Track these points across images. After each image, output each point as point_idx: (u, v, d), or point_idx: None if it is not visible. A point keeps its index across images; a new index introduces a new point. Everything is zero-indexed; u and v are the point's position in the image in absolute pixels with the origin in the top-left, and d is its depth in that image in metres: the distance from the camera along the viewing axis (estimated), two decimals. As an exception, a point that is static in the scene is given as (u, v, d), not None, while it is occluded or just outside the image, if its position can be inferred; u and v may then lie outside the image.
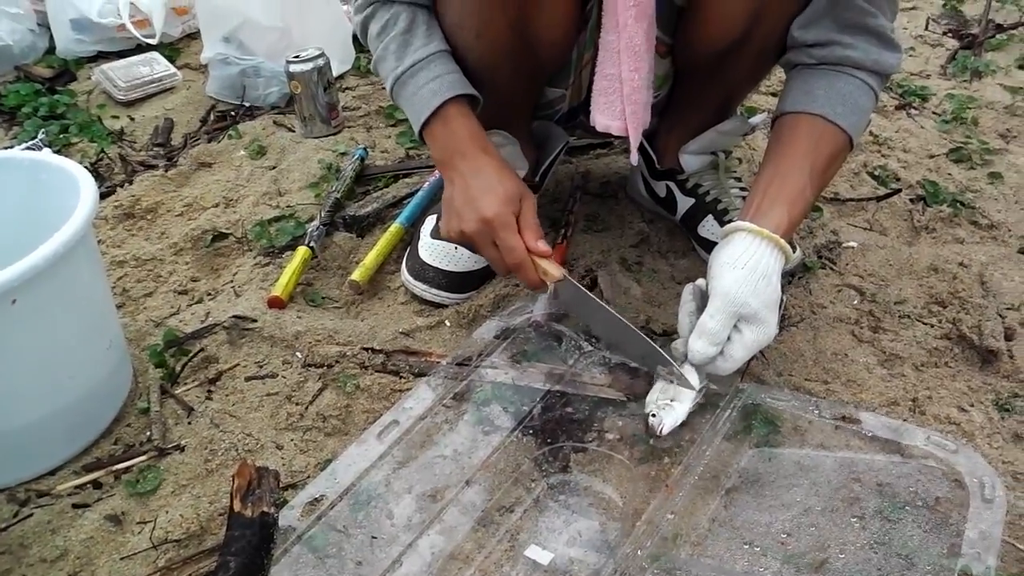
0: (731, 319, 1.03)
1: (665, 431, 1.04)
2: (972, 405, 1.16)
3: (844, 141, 1.14)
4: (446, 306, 1.32)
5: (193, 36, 2.35)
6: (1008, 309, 1.33)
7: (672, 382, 1.07)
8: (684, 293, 1.11)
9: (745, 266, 1.04)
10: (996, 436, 1.11)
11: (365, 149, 1.74)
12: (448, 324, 1.29)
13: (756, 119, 1.47)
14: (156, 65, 2.14)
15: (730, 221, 1.33)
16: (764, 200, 1.09)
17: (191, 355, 1.25)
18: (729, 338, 1.04)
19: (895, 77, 2.14)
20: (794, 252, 1.37)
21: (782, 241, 1.06)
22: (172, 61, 2.21)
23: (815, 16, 1.13)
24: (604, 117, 1.19)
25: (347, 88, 2.07)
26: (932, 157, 1.80)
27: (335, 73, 1.94)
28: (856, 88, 1.14)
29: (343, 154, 1.76)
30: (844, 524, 0.95)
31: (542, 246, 1.11)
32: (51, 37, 2.28)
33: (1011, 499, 1.01)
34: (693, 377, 1.06)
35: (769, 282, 1.04)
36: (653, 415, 1.04)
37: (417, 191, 1.57)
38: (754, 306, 1.02)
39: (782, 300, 1.31)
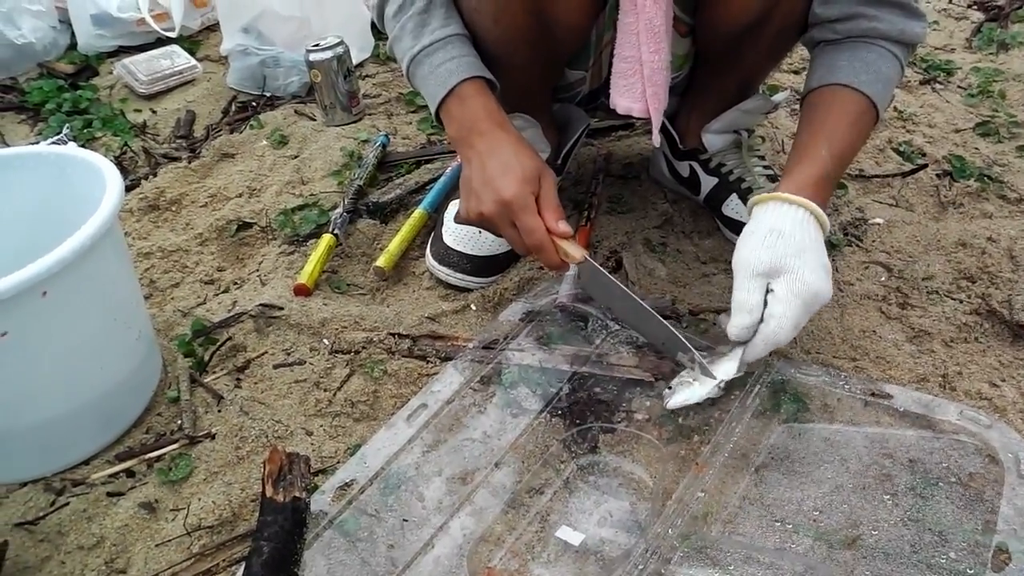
0: (751, 280, 1.01)
1: (670, 406, 1.04)
2: (1003, 380, 1.15)
3: (867, 107, 1.12)
4: (471, 290, 1.33)
5: (212, 28, 2.36)
6: (1039, 283, 1.32)
7: (693, 368, 1.06)
8: None
9: (750, 232, 1.04)
10: (1029, 411, 1.10)
11: (387, 136, 1.75)
12: (474, 308, 1.29)
13: (778, 97, 1.46)
14: (177, 58, 2.16)
15: (754, 199, 1.33)
16: (787, 173, 1.09)
17: (219, 344, 1.26)
18: (766, 302, 1.01)
19: (919, 51, 2.11)
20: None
21: (793, 196, 1.03)
22: (192, 53, 2.22)
23: None
24: (625, 99, 1.18)
25: (367, 76, 2.08)
26: (958, 132, 1.77)
27: (355, 61, 1.94)
28: (880, 56, 1.12)
29: (365, 141, 1.76)
30: (876, 501, 0.94)
31: (562, 227, 1.08)
32: (72, 33, 2.30)
33: (1045, 474, 1.01)
34: (729, 370, 1.04)
35: (780, 234, 1.01)
36: (669, 387, 1.05)
37: (439, 176, 1.57)
38: (768, 259, 1.00)
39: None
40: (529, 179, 1.08)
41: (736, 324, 1.01)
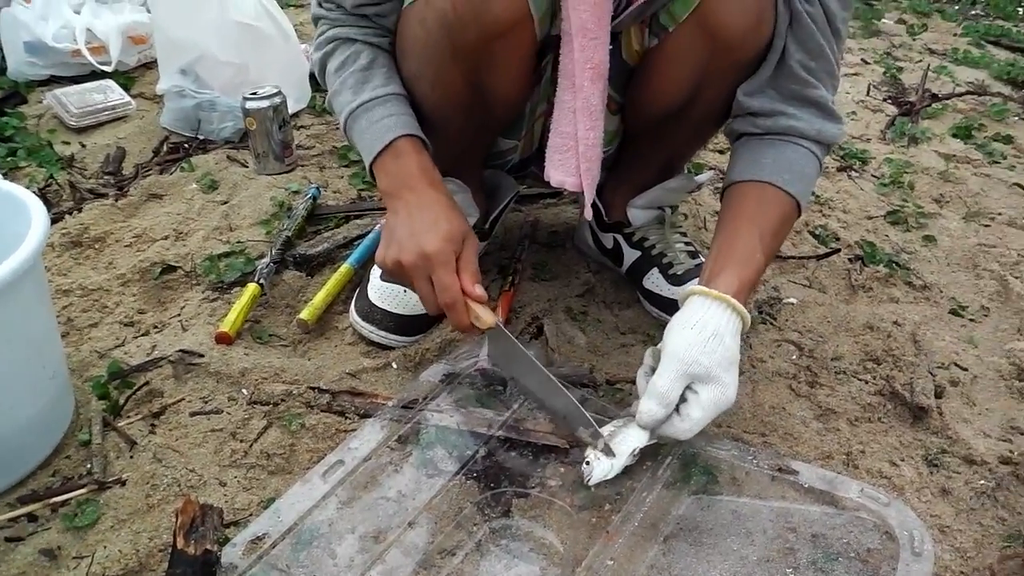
0: (681, 379, 1.03)
1: (592, 482, 1.05)
2: (903, 460, 1.20)
3: (792, 207, 1.18)
4: (393, 348, 1.33)
5: (149, 66, 2.35)
6: (938, 367, 1.38)
7: (595, 446, 1.06)
8: (645, 356, 1.11)
9: (695, 326, 1.05)
10: (925, 490, 1.15)
11: (318, 188, 1.75)
12: (395, 366, 1.30)
13: (702, 177, 1.52)
14: (110, 93, 2.13)
15: (675, 275, 1.37)
16: (716, 265, 1.12)
17: (135, 388, 1.23)
18: (686, 399, 1.04)
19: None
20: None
21: (734, 301, 1.06)
22: (127, 89, 2.20)
23: (760, 85, 1.18)
24: (559, 173, 1.21)
25: (302, 126, 2.08)
26: (870, 219, 1.86)
27: (291, 111, 1.95)
28: (802, 157, 1.18)
29: (296, 192, 1.76)
30: (779, 574, 0.97)
31: (478, 290, 1.09)
32: (2, 58, 2.26)
33: (938, 552, 1.05)
34: (641, 437, 1.06)
35: (721, 341, 1.04)
36: (587, 463, 1.06)
37: (368, 232, 1.58)
38: (705, 364, 1.02)
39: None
40: (453, 238, 1.10)
41: (649, 412, 1.03)
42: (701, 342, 1.04)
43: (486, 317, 1.10)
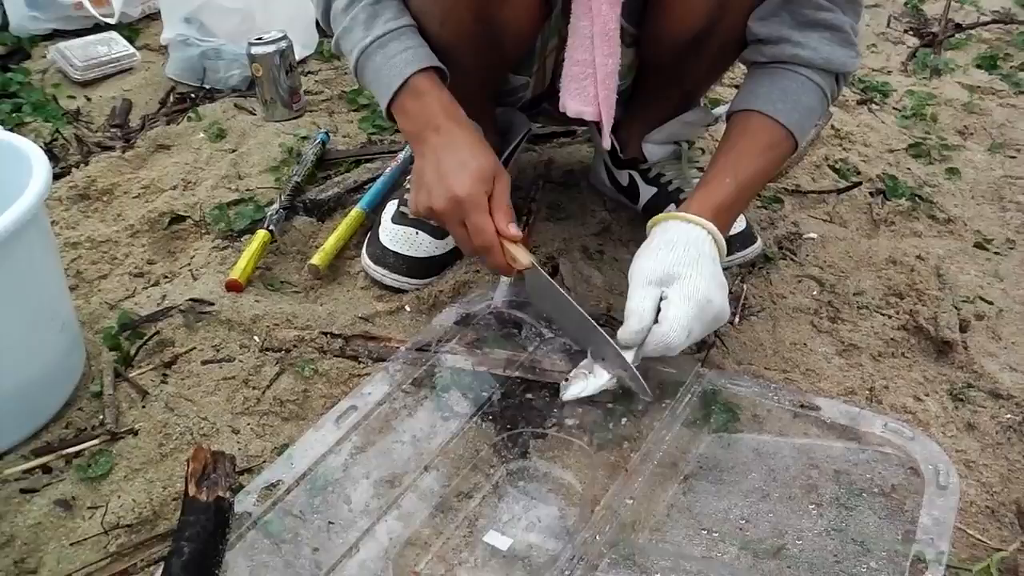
0: (646, 288, 1.03)
1: (566, 398, 1.05)
2: (927, 395, 1.18)
3: (782, 135, 1.15)
4: (406, 291, 1.31)
5: (153, 16, 2.31)
6: (963, 301, 1.35)
7: (617, 380, 1.06)
8: None
9: (647, 245, 1.07)
10: (950, 425, 1.13)
11: (327, 133, 1.73)
12: (408, 310, 1.28)
13: (719, 110, 1.49)
14: (114, 45, 2.10)
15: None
16: (691, 195, 1.13)
17: (146, 338, 1.23)
18: (659, 308, 1.04)
19: (857, 72, 2.16)
20: (755, 242, 1.39)
21: (686, 214, 1.08)
22: (131, 41, 2.17)
23: (772, 10, 1.14)
24: (576, 103, 1.18)
25: (310, 72, 2.05)
26: (892, 152, 1.82)
27: (298, 57, 1.92)
28: (800, 86, 1.15)
29: (304, 138, 1.74)
30: (801, 511, 0.96)
31: (513, 230, 1.07)
32: (4, 13, 2.23)
33: (963, 487, 1.03)
34: (627, 355, 1.05)
35: (673, 248, 1.05)
36: (566, 379, 1.06)
37: (378, 176, 1.56)
38: (661, 268, 1.03)
39: (743, 290, 1.33)
40: (484, 178, 1.07)
41: (627, 329, 1.03)
42: (652, 251, 1.05)
43: (522, 258, 1.08)
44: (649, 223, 1.12)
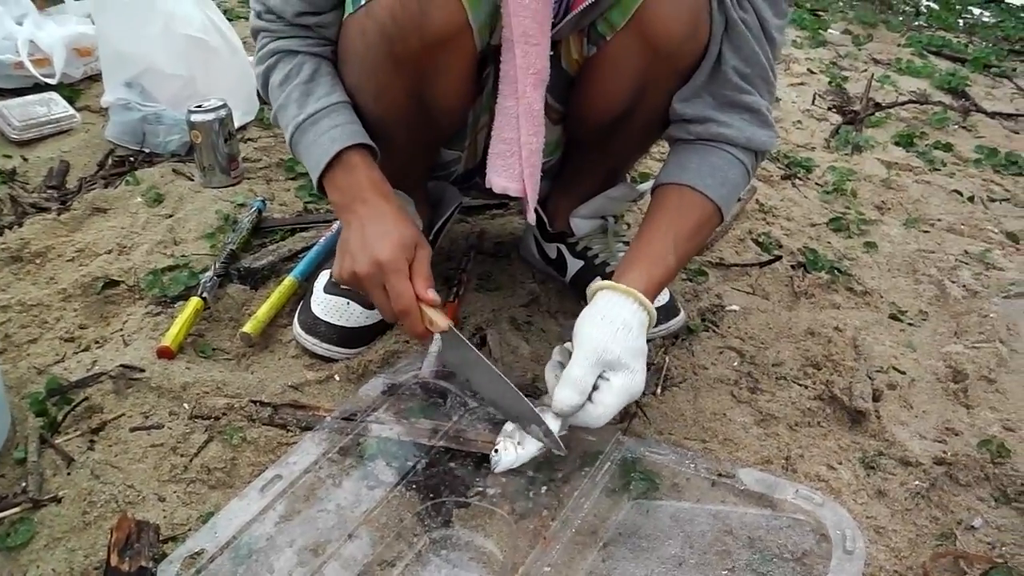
0: (595, 366, 1.06)
1: (499, 470, 1.07)
2: (840, 463, 1.22)
3: (712, 211, 1.20)
4: (336, 360, 1.33)
5: (95, 78, 2.31)
6: (877, 371, 1.41)
7: (545, 448, 1.09)
8: (554, 353, 1.15)
9: (605, 318, 1.09)
10: (861, 492, 1.17)
11: (264, 201, 1.74)
12: (337, 379, 1.30)
13: (645, 186, 1.53)
14: (54, 106, 2.10)
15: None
16: (628, 262, 1.16)
17: (74, 404, 1.22)
18: (598, 387, 1.07)
19: (782, 148, 2.26)
20: (678, 315, 1.43)
21: (641, 296, 1.11)
22: (72, 102, 2.17)
23: (694, 91, 1.20)
24: (502, 179, 1.22)
25: (249, 139, 2.07)
26: (814, 226, 1.89)
27: (238, 124, 1.94)
28: (727, 162, 1.20)
29: (241, 205, 1.75)
30: (715, 577, 0.99)
31: (431, 295, 1.12)
32: (-59, 71, 2.22)
33: (872, 552, 1.07)
34: (554, 427, 1.09)
35: (629, 331, 1.08)
36: (495, 451, 1.08)
37: (313, 245, 1.58)
38: (616, 352, 1.06)
39: (665, 361, 1.37)
40: (406, 246, 1.12)
41: (566, 400, 1.06)
42: (611, 332, 1.08)
43: (440, 321, 1.12)
44: (598, 285, 1.14)
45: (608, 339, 1.07)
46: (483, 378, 1.15)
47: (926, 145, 2.41)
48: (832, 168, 2.18)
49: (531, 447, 1.09)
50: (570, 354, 1.10)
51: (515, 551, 1.00)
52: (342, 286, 1.33)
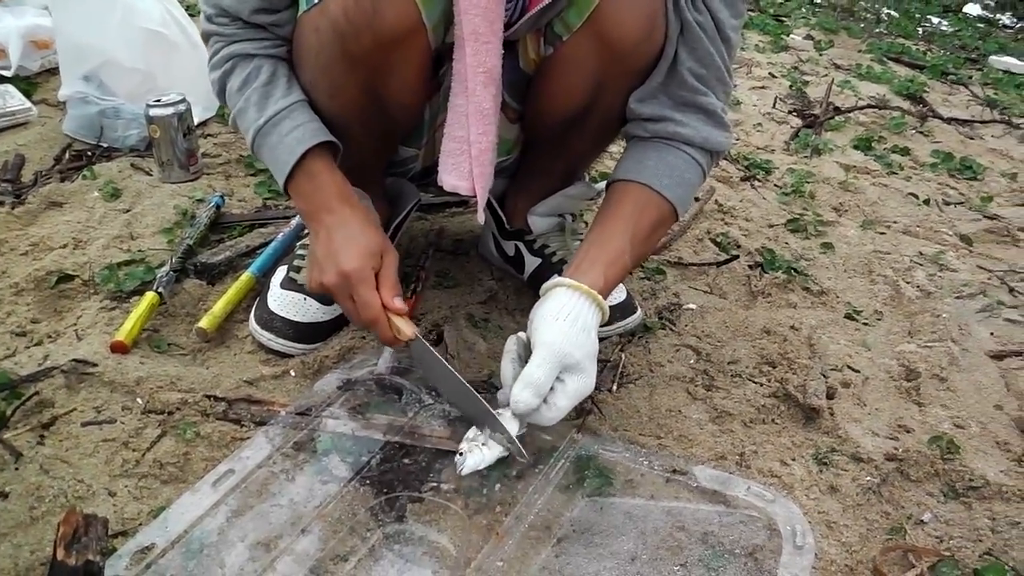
0: (556, 369, 1.06)
1: (464, 471, 1.07)
2: (794, 459, 1.24)
3: (668, 210, 1.21)
4: (292, 356, 1.33)
5: (53, 71, 2.29)
6: (832, 370, 1.43)
7: (508, 451, 1.09)
8: (507, 343, 1.14)
9: (567, 318, 1.09)
10: (814, 488, 1.19)
11: (222, 197, 1.74)
12: (293, 374, 1.29)
13: (601, 185, 1.54)
14: (10, 98, 2.08)
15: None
16: (585, 260, 1.16)
17: (24, 399, 1.20)
18: (553, 389, 1.07)
19: (741, 150, 2.28)
20: (635, 312, 1.44)
21: (599, 297, 1.11)
22: (28, 95, 2.15)
23: (651, 92, 1.21)
24: (452, 178, 1.22)
25: (209, 135, 2.06)
26: (772, 227, 1.91)
27: (197, 120, 1.93)
28: (684, 162, 1.22)
29: (200, 201, 1.75)
30: (668, 572, 0.99)
31: (398, 303, 1.13)
32: None
33: (823, 546, 1.09)
34: (513, 427, 1.09)
35: (588, 335, 1.09)
36: (460, 453, 1.08)
37: (270, 241, 1.57)
38: (577, 357, 1.07)
39: (621, 359, 1.37)
40: (372, 254, 1.13)
41: (524, 402, 1.06)
42: (574, 334, 1.08)
43: (406, 330, 1.13)
44: (556, 281, 1.13)
45: (570, 342, 1.07)
46: (448, 386, 1.15)
47: (884, 149, 2.45)
48: (791, 170, 2.21)
49: (496, 449, 1.09)
50: (526, 345, 1.10)
51: (468, 546, 1.00)
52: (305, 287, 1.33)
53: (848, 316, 1.61)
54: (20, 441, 1.15)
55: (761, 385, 1.38)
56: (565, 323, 1.08)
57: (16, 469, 1.11)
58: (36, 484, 1.08)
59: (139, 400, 1.22)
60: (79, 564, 0.89)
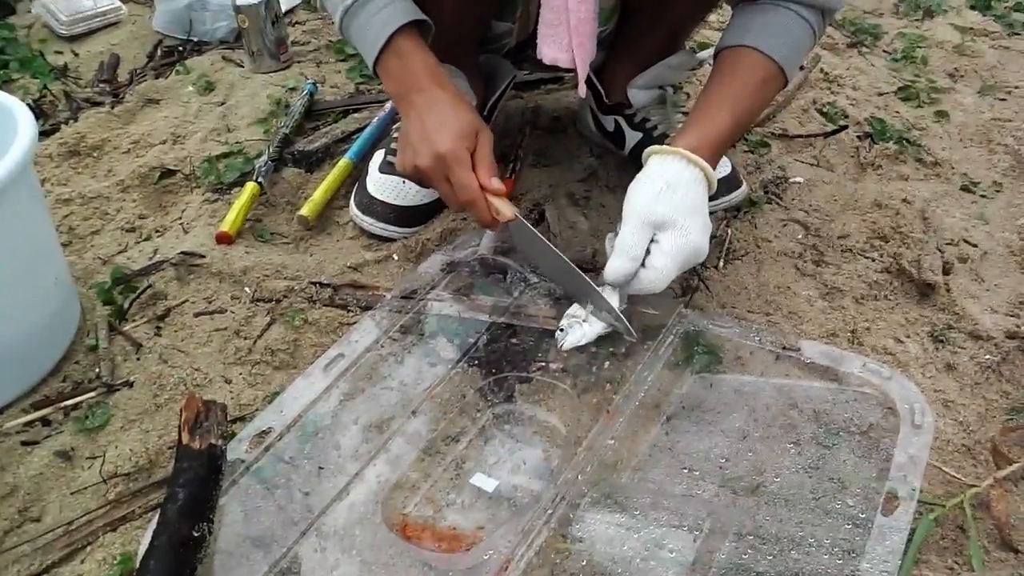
0: (643, 229, 1.04)
1: (565, 347, 1.06)
2: (908, 336, 1.19)
3: (774, 71, 1.14)
4: (394, 240, 1.33)
5: (139, -31, 2.29)
6: (947, 244, 1.36)
7: (612, 327, 1.08)
8: (617, 226, 1.11)
9: (649, 179, 1.06)
10: (930, 366, 1.15)
11: (315, 84, 1.73)
12: (396, 258, 1.30)
13: (703, 54, 1.48)
14: (99, -2, 2.09)
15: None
16: (683, 127, 1.12)
17: (139, 292, 1.24)
18: (649, 251, 1.05)
19: (848, 15, 2.15)
20: (740, 187, 1.39)
21: (688, 153, 1.06)
22: (116, -6, 2.15)
23: None
24: (551, 50, 1.17)
25: (297, 22, 2.04)
26: (881, 95, 1.81)
27: (285, 7, 1.91)
28: (792, 22, 1.14)
29: (292, 89, 1.74)
30: (780, 450, 0.98)
31: (495, 184, 1.09)
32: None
33: (940, 426, 1.05)
34: (615, 301, 1.07)
35: (675, 190, 1.05)
36: (561, 329, 1.07)
37: (366, 126, 1.56)
38: (661, 212, 1.03)
39: (727, 234, 1.34)
40: (466, 135, 1.09)
41: (616, 267, 1.04)
42: (655, 193, 1.04)
43: (506, 210, 1.10)
44: (647, 152, 1.11)
45: (651, 200, 1.04)
46: (550, 263, 1.13)
47: (1005, 8, 2.27)
48: (901, 34, 2.07)
49: (597, 325, 1.08)
50: None
51: (578, 425, 1.00)
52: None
53: (964, 188, 1.53)
54: (139, 333, 1.19)
55: (873, 260, 1.32)
56: (647, 184, 1.05)
57: (138, 359, 1.15)
58: (157, 373, 1.12)
59: (247, 289, 1.24)
60: (203, 447, 0.92)
